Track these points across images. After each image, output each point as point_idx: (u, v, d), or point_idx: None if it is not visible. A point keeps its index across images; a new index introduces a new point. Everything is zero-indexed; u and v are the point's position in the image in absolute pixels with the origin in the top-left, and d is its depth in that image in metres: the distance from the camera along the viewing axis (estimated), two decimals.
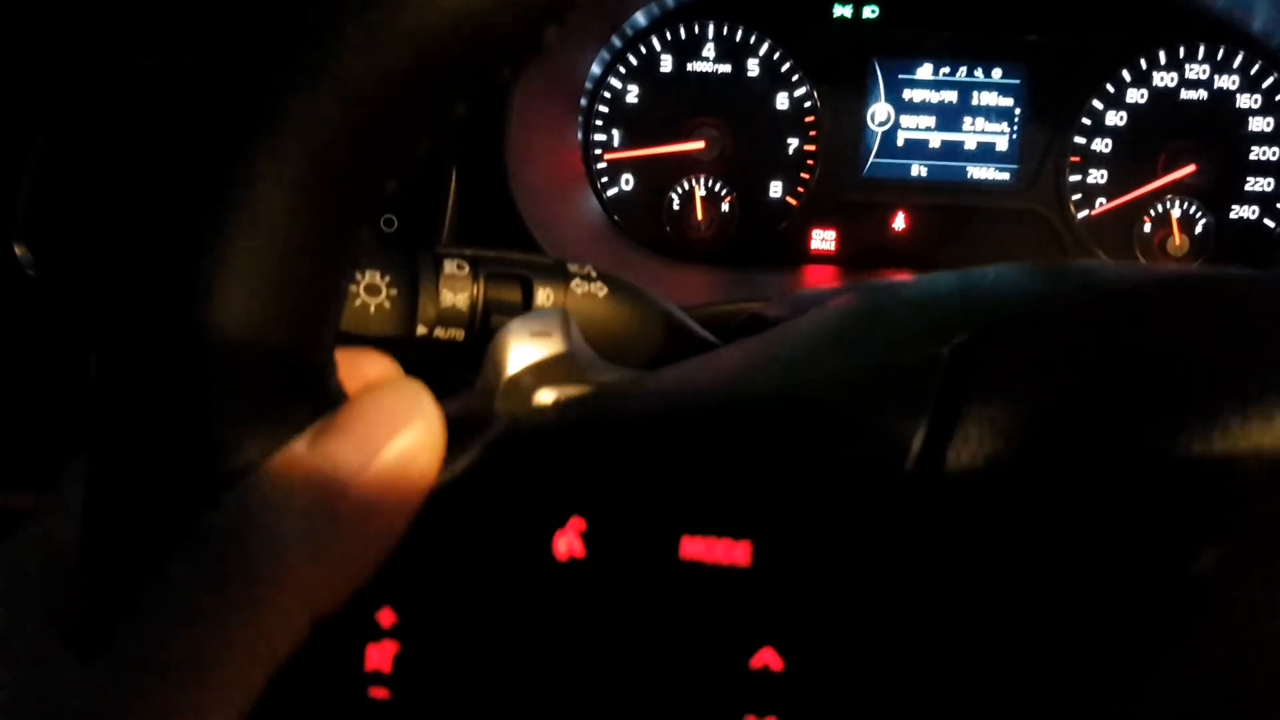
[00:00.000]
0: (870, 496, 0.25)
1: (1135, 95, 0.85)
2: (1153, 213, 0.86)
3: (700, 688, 0.26)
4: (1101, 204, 0.87)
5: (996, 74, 0.86)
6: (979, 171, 0.88)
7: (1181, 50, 0.84)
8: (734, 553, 0.27)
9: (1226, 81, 0.84)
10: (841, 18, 0.86)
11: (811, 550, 0.27)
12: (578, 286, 0.46)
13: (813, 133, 0.88)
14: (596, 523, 0.28)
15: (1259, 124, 0.85)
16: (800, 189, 0.89)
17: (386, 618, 0.26)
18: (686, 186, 0.89)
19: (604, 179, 0.89)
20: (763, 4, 0.86)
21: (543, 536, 0.27)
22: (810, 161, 0.89)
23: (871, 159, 0.88)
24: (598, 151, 0.89)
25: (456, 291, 0.44)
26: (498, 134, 0.67)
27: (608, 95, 0.88)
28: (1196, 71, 0.85)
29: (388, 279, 0.43)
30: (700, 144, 0.87)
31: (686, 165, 0.88)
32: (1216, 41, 0.84)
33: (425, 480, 0.26)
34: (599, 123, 0.88)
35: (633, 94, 0.88)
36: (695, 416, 0.29)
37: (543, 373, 0.36)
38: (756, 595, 0.27)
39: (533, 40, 0.27)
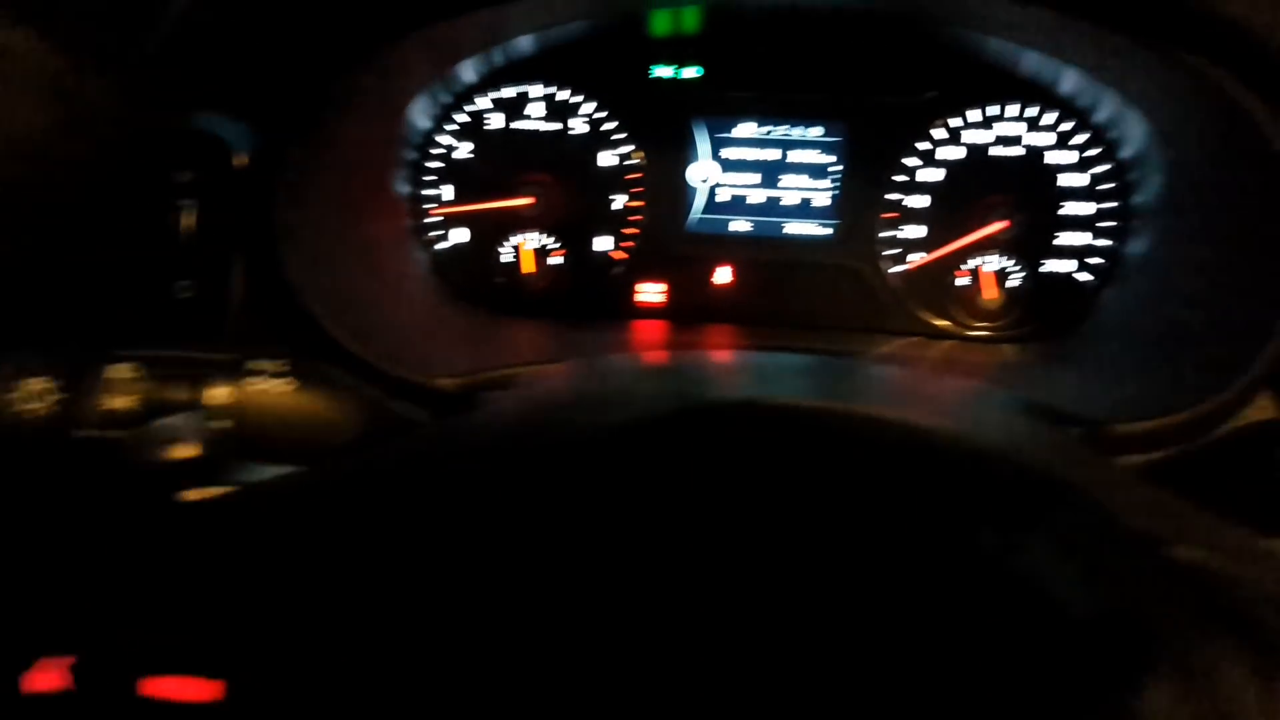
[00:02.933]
0: None
1: (949, 152, 0.87)
2: (967, 267, 0.88)
3: None
4: (916, 259, 0.88)
5: (816, 132, 0.88)
6: (799, 227, 0.89)
7: (994, 109, 0.86)
8: (202, 690, 0.29)
9: (1039, 138, 0.86)
10: (662, 78, 0.88)
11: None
12: (252, 384, 0.48)
13: (637, 189, 0.90)
14: (72, 661, 0.29)
15: (1071, 180, 0.86)
16: (627, 244, 0.91)
17: None
18: (516, 241, 0.90)
19: (434, 233, 0.91)
20: (585, 65, 0.88)
21: (10, 673, 0.29)
22: (636, 217, 0.90)
23: (695, 215, 0.90)
24: (428, 206, 0.91)
25: (122, 394, 0.46)
26: (268, 209, 0.68)
27: (437, 151, 0.90)
28: (1009, 129, 0.86)
29: (54, 384, 0.45)
30: (529, 200, 0.89)
31: (516, 220, 0.90)
32: (1028, 101, 0.85)
33: None
34: (429, 178, 0.90)
35: (463, 150, 0.90)
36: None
37: (182, 476, 0.37)
38: None
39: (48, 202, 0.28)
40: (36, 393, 0.44)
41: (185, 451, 0.37)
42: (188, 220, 0.72)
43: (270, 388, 0.48)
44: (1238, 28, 0.45)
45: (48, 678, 0.29)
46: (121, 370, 0.46)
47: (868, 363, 0.57)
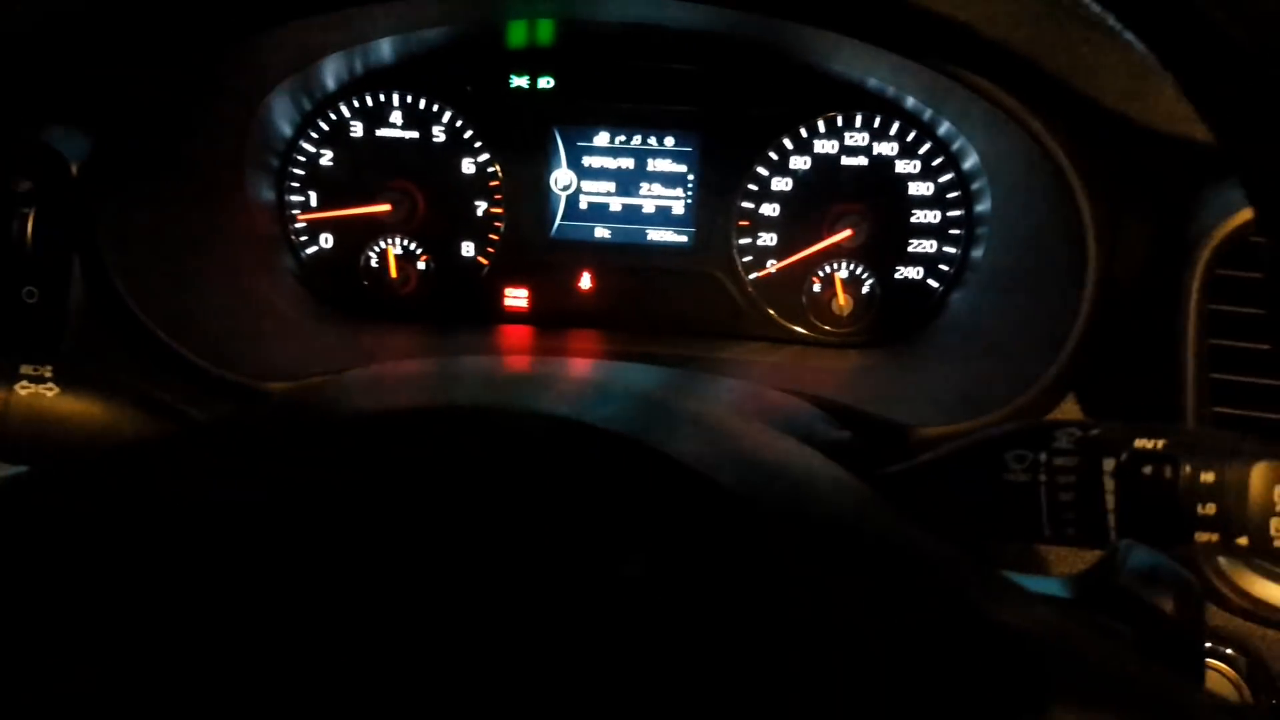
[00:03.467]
0: None
1: (799, 162, 0.89)
2: (821, 273, 0.90)
3: None
4: (770, 265, 0.91)
5: (669, 142, 0.90)
6: (658, 234, 0.92)
7: (840, 119, 0.89)
8: None
9: (885, 148, 0.89)
10: (519, 88, 0.90)
11: None
12: (23, 388, 0.49)
13: (498, 196, 0.91)
14: None
15: (918, 188, 0.89)
16: (490, 249, 0.92)
17: None
18: (381, 246, 0.92)
19: (302, 239, 0.92)
20: (444, 74, 0.89)
21: None
22: (498, 224, 0.92)
23: (557, 221, 0.92)
24: (294, 212, 0.91)
25: None
26: (91, 217, 0.69)
27: (301, 158, 0.91)
28: (856, 139, 0.89)
29: None
30: (387, 206, 0.90)
31: (381, 226, 0.91)
32: (874, 111, 0.88)
33: None
34: (294, 184, 0.91)
35: (326, 157, 0.91)
36: None
37: None
38: None
39: None
40: None
41: None
42: (26, 229, 0.73)
43: (39, 391, 0.48)
44: (963, 28, 0.48)
45: None
46: None
47: (673, 371, 0.59)
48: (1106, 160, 0.66)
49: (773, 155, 0.89)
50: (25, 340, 0.76)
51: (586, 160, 0.91)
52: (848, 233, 0.88)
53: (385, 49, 0.86)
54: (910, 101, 0.86)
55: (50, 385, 0.49)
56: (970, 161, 0.86)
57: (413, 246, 0.92)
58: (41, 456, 0.49)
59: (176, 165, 0.78)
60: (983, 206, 0.87)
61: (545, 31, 0.87)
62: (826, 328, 0.91)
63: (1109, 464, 0.36)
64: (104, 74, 0.70)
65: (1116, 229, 0.67)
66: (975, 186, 0.87)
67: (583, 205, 0.92)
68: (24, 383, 0.49)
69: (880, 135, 0.89)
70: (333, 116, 0.90)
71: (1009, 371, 0.72)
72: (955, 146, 0.87)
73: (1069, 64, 0.56)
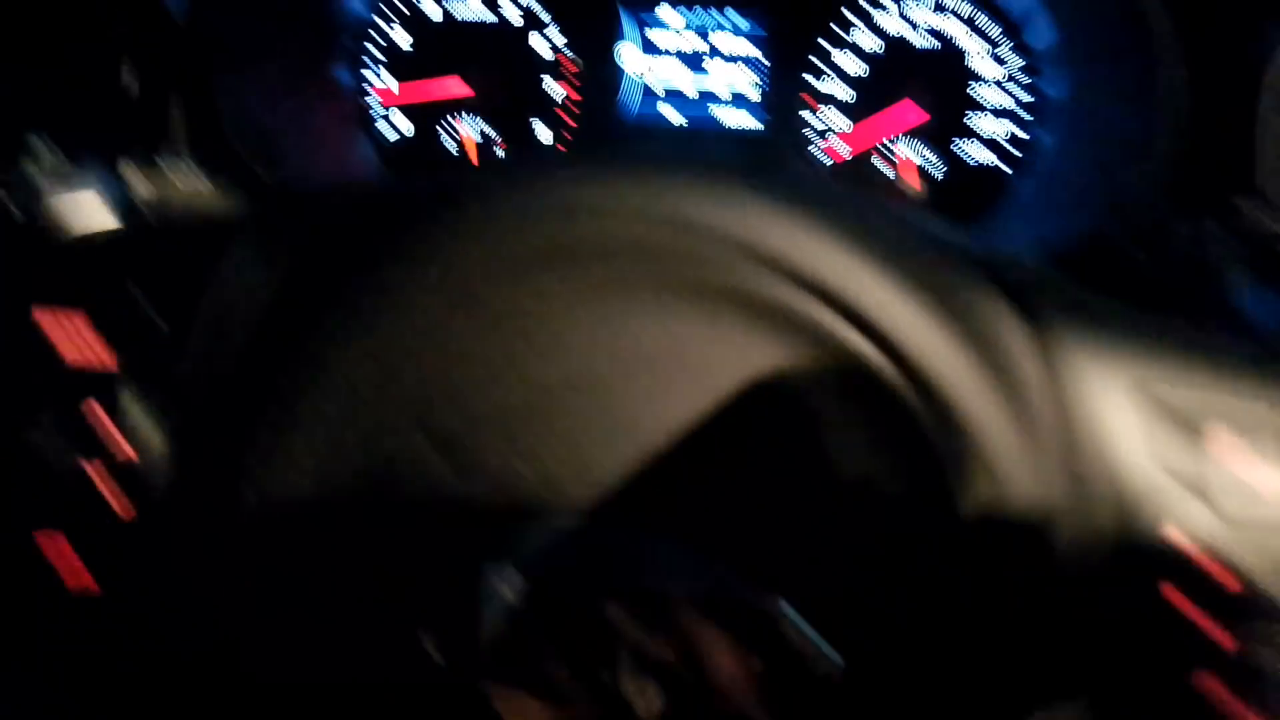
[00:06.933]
0: None
1: (869, 43, 0.90)
2: (889, 155, 0.91)
3: None
4: (841, 150, 0.91)
5: (740, 23, 0.91)
6: (731, 117, 0.92)
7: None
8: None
9: (956, 29, 0.90)
10: None
11: None
12: (166, 172, 0.50)
13: (574, 79, 0.92)
14: None
15: (987, 69, 0.90)
16: (567, 135, 0.93)
17: None
18: (460, 132, 0.93)
19: (378, 123, 0.93)
20: None
21: None
22: (574, 107, 0.93)
23: (633, 108, 0.93)
24: (368, 96, 0.92)
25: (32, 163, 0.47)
26: (206, 83, 0.70)
27: (377, 38, 0.92)
28: (926, 19, 0.90)
29: None
30: (466, 89, 0.91)
31: (457, 109, 0.92)
32: None
33: None
34: (369, 65, 0.92)
35: (401, 37, 0.92)
36: None
37: None
38: None
39: None
40: None
41: (100, 223, 0.38)
42: (128, 72, 0.73)
43: (181, 180, 0.49)
44: None
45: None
46: (35, 142, 0.47)
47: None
48: None
49: (843, 35, 0.90)
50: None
51: (657, 40, 0.92)
52: (924, 116, 0.89)
53: None
54: None
55: (191, 176, 0.50)
56: (1043, 43, 0.87)
57: (490, 131, 0.93)
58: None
59: (267, 37, 0.79)
60: (1052, 90, 0.88)
61: None
62: None
63: None
64: None
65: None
66: (1046, 69, 0.88)
67: (656, 89, 0.92)
68: (167, 169, 0.50)
69: (948, 13, 0.90)
70: None
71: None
72: (1026, 29, 0.88)
73: None
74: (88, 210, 0.43)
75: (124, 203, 0.45)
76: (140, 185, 0.47)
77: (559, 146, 0.93)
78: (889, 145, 0.91)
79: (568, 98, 0.93)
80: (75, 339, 0.30)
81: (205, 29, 0.70)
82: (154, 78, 0.71)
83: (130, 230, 0.41)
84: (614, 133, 0.93)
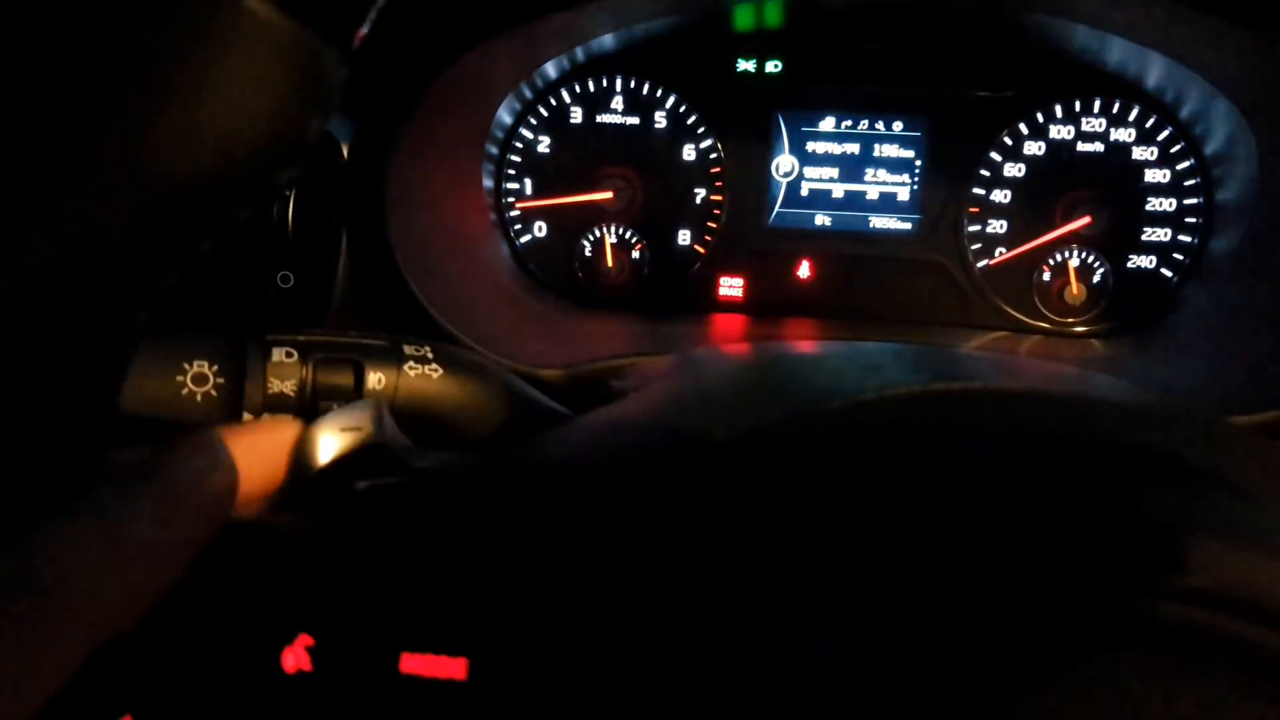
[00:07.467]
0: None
1: (1033, 147, 0.87)
2: (1051, 262, 0.88)
3: None
4: (1000, 253, 0.88)
5: (897, 127, 0.88)
6: (881, 221, 0.89)
7: (1078, 104, 0.86)
8: (450, 668, 0.29)
9: (1122, 134, 0.86)
10: (745, 72, 0.88)
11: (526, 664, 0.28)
12: (410, 369, 0.48)
13: (719, 183, 0.90)
14: (322, 639, 0.29)
15: (1154, 176, 0.86)
16: (708, 237, 0.91)
17: None
18: (597, 234, 0.90)
19: (516, 227, 0.91)
20: (668, 59, 0.88)
21: (272, 650, 0.29)
22: (717, 211, 0.90)
23: (776, 209, 0.90)
24: (510, 200, 0.90)
25: (284, 379, 0.45)
26: (378, 198, 0.68)
27: (519, 145, 0.89)
28: (1093, 125, 0.86)
29: (215, 368, 0.45)
30: (609, 194, 0.89)
31: (597, 214, 0.90)
32: (1112, 95, 0.85)
33: (210, 516, 0.29)
34: (511, 171, 0.90)
35: (544, 144, 0.90)
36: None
37: (356, 463, 0.37)
38: (473, 708, 0.29)
39: (269, 185, 0.28)
40: (199, 376, 0.44)
41: (360, 439, 0.37)
42: (288, 212, 0.72)
43: (425, 372, 0.47)
44: None
45: (297, 657, 0.29)
46: (280, 354, 0.45)
47: (970, 352, 0.57)
48: None
49: (1007, 140, 0.87)
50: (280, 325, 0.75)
51: (810, 146, 0.89)
52: (1085, 220, 0.86)
53: (608, 38, 0.85)
54: (1152, 81, 0.83)
55: (434, 367, 0.48)
56: (1213, 146, 0.84)
57: (628, 235, 0.90)
58: (423, 435, 0.48)
59: (425, 156, 0.77)
60: (1224, 195, 0.84)
61: (773, 14, 0.85)
62: (1054, 317, 0.89)
63: None
64: (369, 66, 0.69)
65: None
66: (1216, 173, 0.85)
67: (804, 192, 0.90)
68: (410, 363, 0.48)
69: (1118, 121, 0.86)
70: (553, 103, 0.89)
71: (1251, 370, 0.69)
72: (1197, 131, 0.85)
73: None
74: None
75: None
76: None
77: (697, 247, 0.91)
78: (1049, 250, 0.88)
79: (711, 202, 0.90)
80: None
81: (375, 156, 0.68)
82: (317, 223, 0.69)
83: None
84: (757, 239, 0.91)
